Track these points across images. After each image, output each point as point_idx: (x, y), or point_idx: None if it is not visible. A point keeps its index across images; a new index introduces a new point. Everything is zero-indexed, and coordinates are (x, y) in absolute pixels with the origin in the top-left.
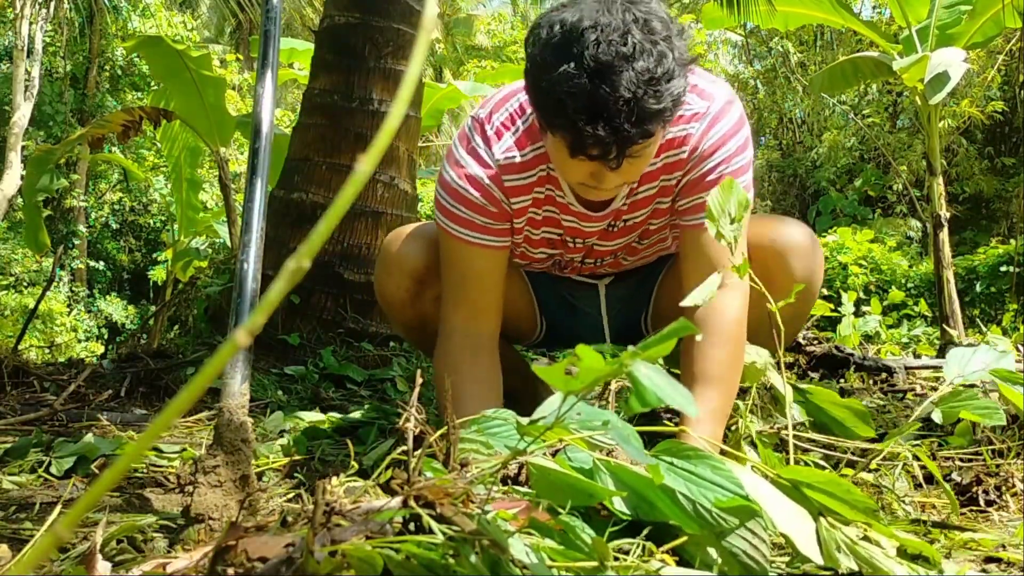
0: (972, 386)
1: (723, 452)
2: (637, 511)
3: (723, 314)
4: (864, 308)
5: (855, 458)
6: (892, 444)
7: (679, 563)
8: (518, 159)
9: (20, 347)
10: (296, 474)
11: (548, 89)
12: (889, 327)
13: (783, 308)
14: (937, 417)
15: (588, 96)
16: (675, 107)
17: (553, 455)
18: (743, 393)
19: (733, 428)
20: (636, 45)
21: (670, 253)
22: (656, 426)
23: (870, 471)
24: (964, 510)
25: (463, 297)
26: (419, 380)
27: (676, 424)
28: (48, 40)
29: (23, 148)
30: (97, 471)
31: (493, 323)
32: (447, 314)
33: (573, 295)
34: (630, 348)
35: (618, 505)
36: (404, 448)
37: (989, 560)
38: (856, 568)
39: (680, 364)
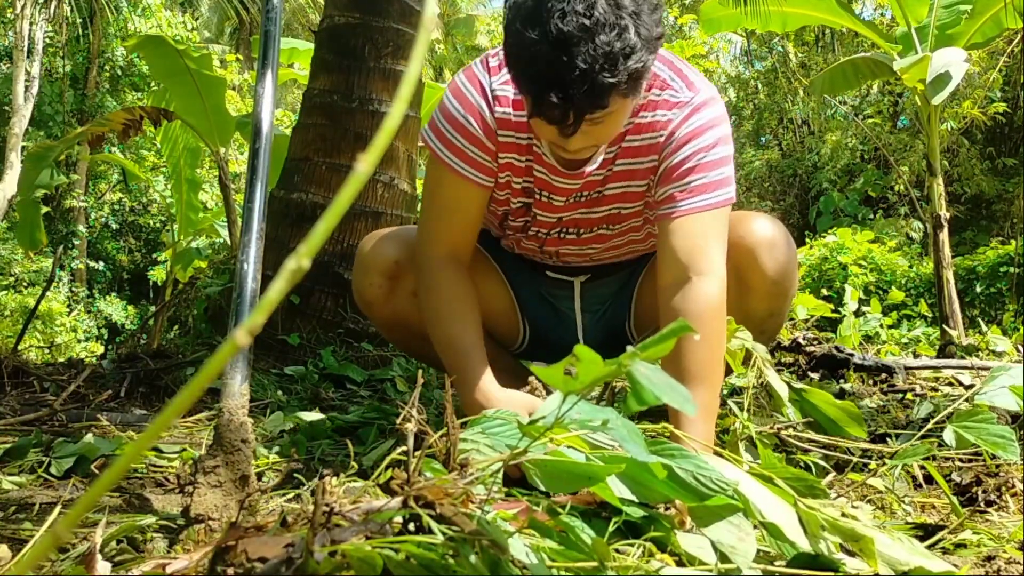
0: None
1: (717, 454)
2: (634, 494)
3: (700, 304)
4: (864, 308)
5: (853, 458)
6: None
7: (679, 563)
8: (511, 96)
9: (20, 347)
10: (296, 474)
11: (515, 53)
12: (889, 327)
13: (757, 307)
14: (949, 438)
15: (547, 65)
16: (635, 82)
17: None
18: (740, 392)
19: (732, 428)
20: (599, 19)
21: (647, 253)
22: (657, 425)
23: (869, 471)
24: (964, 510)
25: (444, 229)
26: (419, 380)
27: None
28: (48, 40)
29: (23, 148)
30: (97, 471)
31: (469, 256)
32: (428, 247)
33: (552, 294)
34: (629, 348)
35: (616, 489)
36: (404, 448)
37: (989, 560)
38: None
39: (661, 362)
